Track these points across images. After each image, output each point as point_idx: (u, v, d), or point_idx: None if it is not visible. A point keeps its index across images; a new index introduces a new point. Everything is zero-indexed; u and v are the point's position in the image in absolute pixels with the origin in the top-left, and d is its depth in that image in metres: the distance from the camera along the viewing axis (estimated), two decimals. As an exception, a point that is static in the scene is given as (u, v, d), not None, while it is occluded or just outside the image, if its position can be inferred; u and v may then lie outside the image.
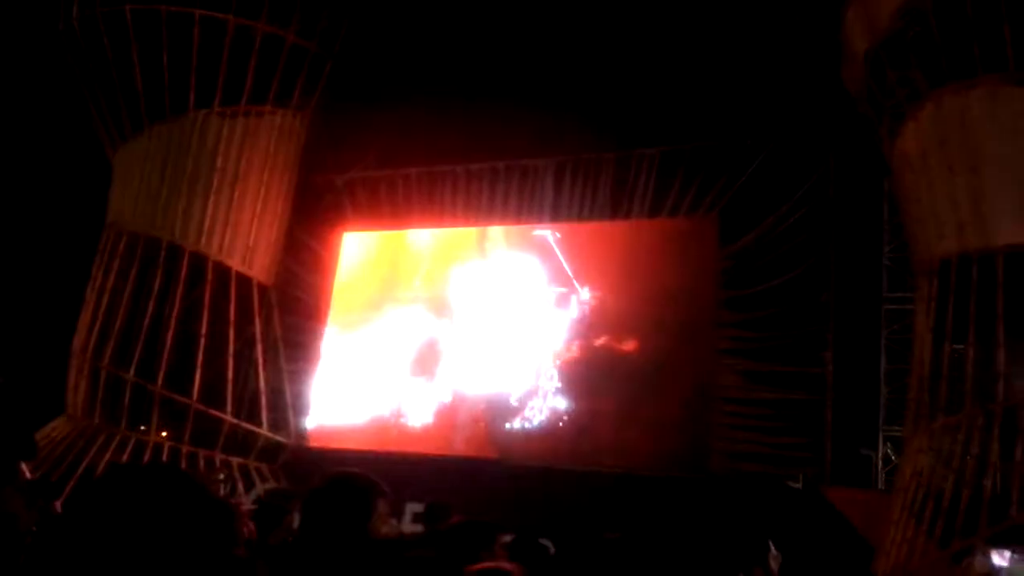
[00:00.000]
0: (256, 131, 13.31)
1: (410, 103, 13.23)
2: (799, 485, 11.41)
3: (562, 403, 12.75)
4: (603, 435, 12.32)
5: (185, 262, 12.85)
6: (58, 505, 5.49)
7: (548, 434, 12.73)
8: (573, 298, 13.03)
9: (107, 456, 12.07)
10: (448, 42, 13.37)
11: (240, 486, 12.29)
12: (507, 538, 4.35)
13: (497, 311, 13.70)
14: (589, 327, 12.88)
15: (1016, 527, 8.46)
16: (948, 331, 9.36)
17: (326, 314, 15.03)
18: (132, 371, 12.55)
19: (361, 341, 14.73)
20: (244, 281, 13.18)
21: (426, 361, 14.06)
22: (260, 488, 12.23)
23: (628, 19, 12.95)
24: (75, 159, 15.30)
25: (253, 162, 13.29)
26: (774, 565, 3.67)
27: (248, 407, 13.05)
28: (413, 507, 9.82)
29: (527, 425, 12.87)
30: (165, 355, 12.60)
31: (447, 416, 13.61)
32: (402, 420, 13.85)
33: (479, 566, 3.15)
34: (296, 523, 4.25)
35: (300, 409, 14.26)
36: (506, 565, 3.26)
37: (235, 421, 12.73)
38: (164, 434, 12.82)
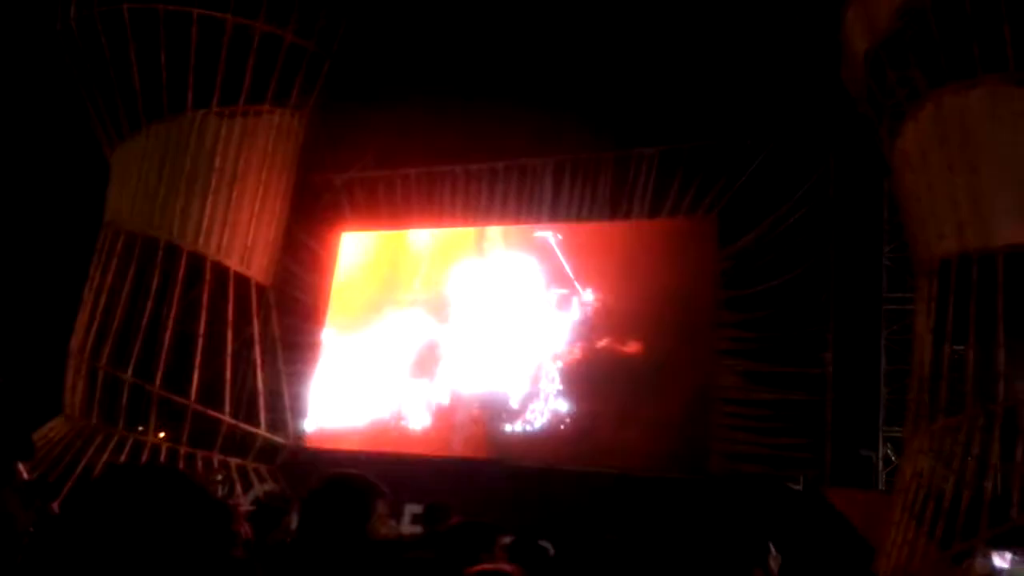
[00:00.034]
0: (254, 131, 13.30)
1: (409, 103, 13.22)
2: (799, 486, 11.39)
3: (561, 404, 12.74)
4: (603, 436, 12.31)
5: (183, 262, 12.82)
6: (55, 506, 5.47)
7: (547, 435, 12.72)
8: (573, 299, 13.02)
9: (105, 457, 12.05)
10: (447, 42, 13.36)
11: (238, 487, 12.27)
12: (506, 539, 4.34)
13: (496, 312, 13.69)
14: (588, 328, 12.87)
15: (1017, 528, 8.46)
16: (948, 331, 9.35)
17: (324, 315, 15.02)
18: (130, 371, 12.53)
19: (360, 342, 14.71)
20: (242, 281, 13.16)
21: (425, 362, 14.05)
22: (258, 489, 12.22)
23: (627, 19, 12.94)
24: (73, 158, 15.28)
25: (251, 162, 13.27)
26: (774, 566, 3.66)
27: (246, 408, 13.03)
28: (412, 508, 9.81)
29: (526, 426, 12.86)
30: (163, 355, 12.58)
31: (446, 417, 13.59)
32: (401, 421, 13.84)
33: (479, 568, 3.13)
34: (294, 524, 4.24)
35: (298, 410, 14.25)
36: (506, 567, 3.25)
37: (233, 422, 12.71)
38: (162, 435, 12.80)
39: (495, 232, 14.29)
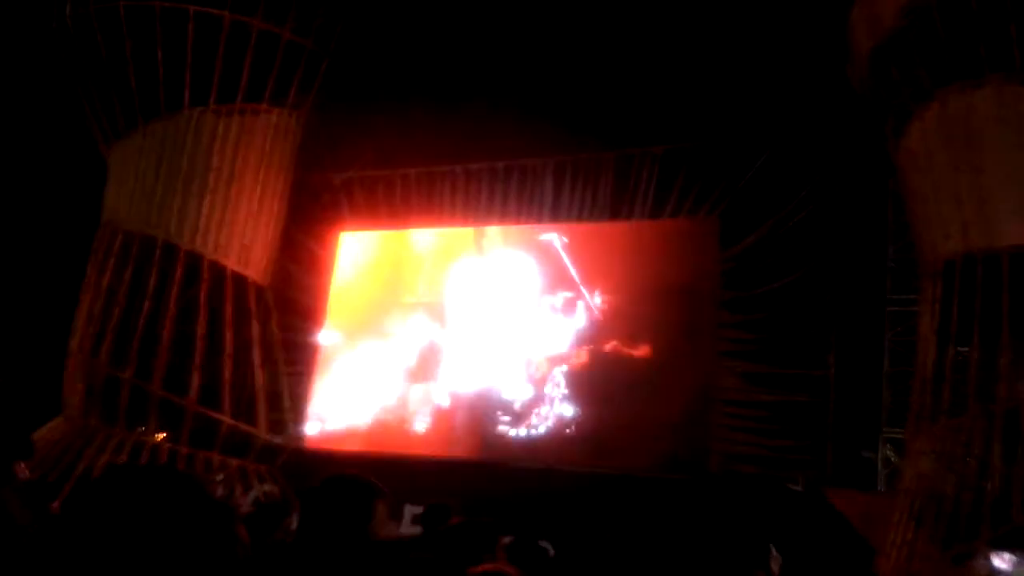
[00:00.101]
0: (252, 129, 13.27)
1: (408, 102, 13.24)
2: (800, 487, 11.40)
3: (562, 405, 12.74)
4: (603, 437, 12.33)
5: (180, 261, 12.80)
6: (55, 506, 5.44)
7: (547, 435, 12.74)
8: (577, 301, 13.02)
9: (105, 457, 12.03)
10: (446, 41, 13.36)
11: (238, 488, 12.25)
12: (506, 539, 4.33)
13: (497, 313, 13.70)
14: (590, 329, 12.88)
15: (1018, 530, 8.45)
16: (952, 333, 9.34)
17: (323, 315, 15.04)
18: (129, 371, 12.51)
19: (360, 342, 14.73)
20: (240, 281, 13.14)
21: (425, 363, 14.06)
22: (258, 490, 12.20)
23: (629, 19, 12.94)
24: (69, 157, 15.26)
25: (249, 160, 13.25)
26: (775, 567, 3.67)
27: (246, 408, 13.02)
28: (412, 508, 9.79)
29: (526, 426, 12.86)
30: (162, 355, 12.56)
31: (446, 418, 13.61)
32: (401, 421, 13.84)
33: (480, 568, 3.13)
34: (295, 525, 4.21)
35: (298, 410, 14.26)
36: (507, 567, 3.25)
37: (233, 422, 12.68)
38: (162, 435, 12.78)
39: (496, 233, 14.31)
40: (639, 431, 11.99)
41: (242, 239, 13.19)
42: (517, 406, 12.98)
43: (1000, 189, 9.07)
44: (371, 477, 2.88)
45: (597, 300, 12.84)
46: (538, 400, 12.89)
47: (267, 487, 12.31)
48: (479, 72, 13.15)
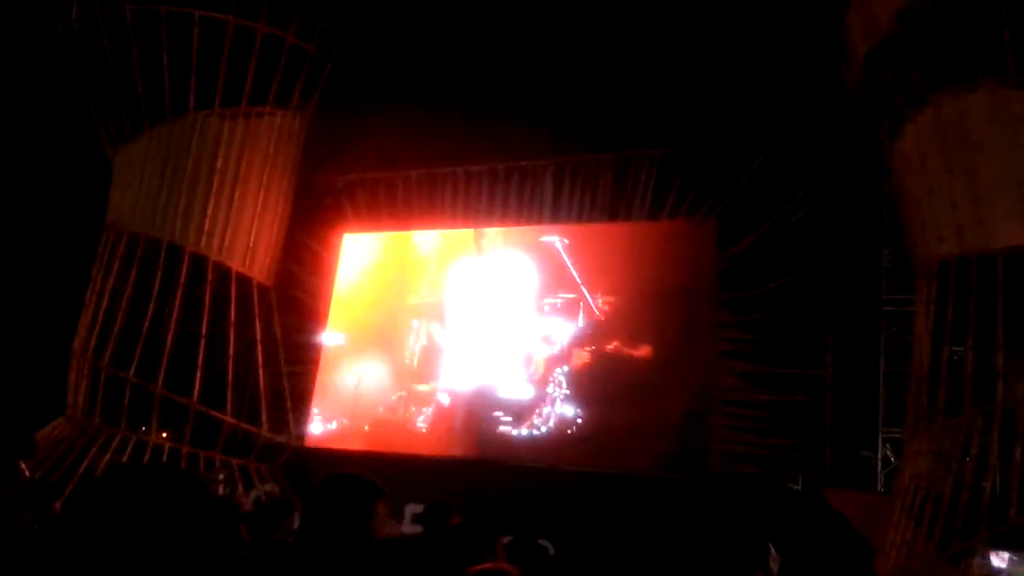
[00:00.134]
0: (256, 132, 13.31)
1: (410, 105, 13.24)
2: (798, 487, 11.41)
3: (562, 405, 12.75)
4: (603, 436, 12.32)
5: (185, 263, 12.84)
6: (58, 505, 5.49)
7: (547, 435, 12.73)
8: (575, 301, 13.03)
9: (107, 456, 12.07)
10: (447, 44, 13.38)
11: (240, 487, 12.29)
12: (506, 539, 4.35)
13: (496, 313, 13.71)
14: (589, 329, 12.89)
15: (1015, 529, 8.46)
16: (947, 333, 9.36)
17: (326, 315, 15.05)
18: (132, 372, 12.54)
19: (361, 342, 14.74)
20: (244, 282, 13.18)
21: (426, 363, 14.07)
22: (260, 489, 12.24)
23: (628, 21, 12.95)
24: (75, 160, 15.30)
25: (253, 163, 13.29)
26: (774, 567, 3.67)
27: (248, 408, 13.05)
28: (412, 508, 9.84)
29: (526, 426, 12.87)
30: (165, 356, 12.59)
31: (447, 417, 13.61)
32: (402, 421, 13.85)
33: (480, 567, 3.15)
34: (296, 524, 4.26)
35: (300, 410, 14.28)
36: (507, 566, 3.27)
37: (235, 422, 12.72)
38: (164, 435, 12.82)
39: (497, 234, 14.31)
40: (638, 431, 11.98)
41: (247, 240, 13.23)
42: (517, 406, 12.98)
43: (994, 191, 9.08)
44: (372, 477, 2.91)
45: (596, 301, 12.85)
46: (538, 400, 12.89)
47: (268, 486, 12.35)
48: (480, 75, 13.17)
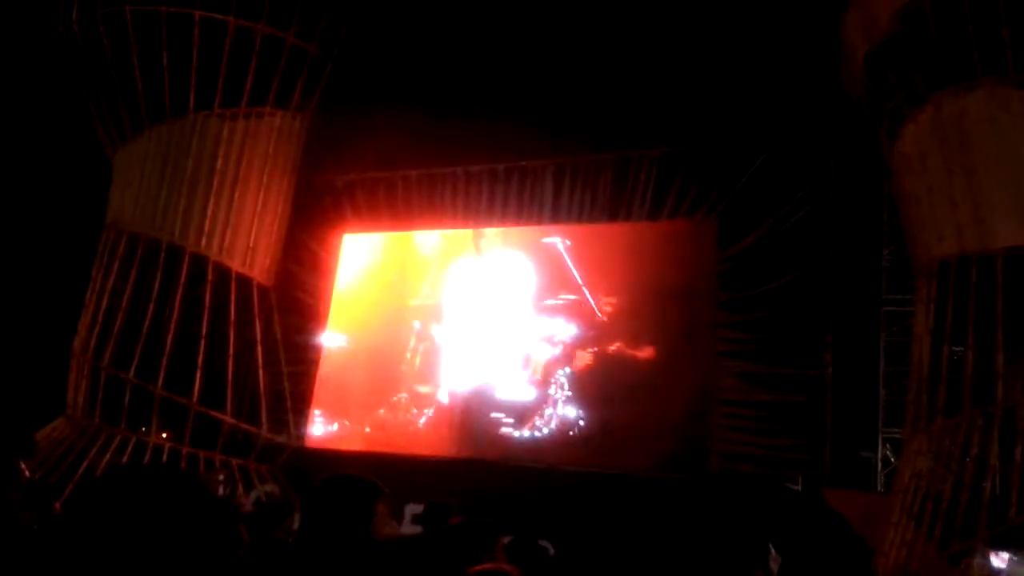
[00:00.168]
0: (256, 132, 13.31)
1: (409, 105, 13.25)
2: (798, 487, 11.41)
3: (562, 405, 12.75)
4: (603, 436, 12.33)
5: (185, 263, 12.84)
6: (58, 505, 5.50)
7: (547, 435, 12.74)
8: (575, 301, 13.03)
9: (107, 457, 12.07)
10: (447, 44, 13.38)
11: (240, 487, 12.29)
12: (506, 539, 4.35)
13: (496, 314, 13.71)
14: (588, 329, 12.89)
15: (1015, 529, 8.46)
16: (947, 333, 9.36)
17: (326, 316, 15.06)
18: (132, 372, 12.55)
19: (362, 343, 14.75)
20: (244, 282, 13.18)
21: (427, 364, 14.07)
22: (260, 489, 12.24)
23: (627, 21, 12.96)
24: (75, 160, 15.31)
25: (253, 163, 13.29)
26: (774, 567, 3.68)
27: (248, 408, 13.05)
28: (412, 508, 9.84)
29: (526, 427, 12.87)
30: (165, 356, 12.60)
31: (447, 418, 13.62)
32: (402, 422, 13.86)
33: (480, 567, 3.16)
34: (296, 524, 4.26)
35: (300, 410, 14.29)
36: (507, 567, 3.28)
37: (235, 422, 12.73)
38: (164, 435, 12.82)
39: (498, 235, 14.32)
40: (639, 431, 11.99)
41: (247, 241, 13.23)
42: (517, 407, 12.99)
43: (994, 191, 9.08)
44: (372, 477, 2.91)
45: (597, 301, 12.86)
46: (538, 400, 12.90)
47: (268, 487, 12.35)
48: (480, 75, 13.17)
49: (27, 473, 3.83)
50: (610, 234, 13.43)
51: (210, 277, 12.90)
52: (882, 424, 11.81)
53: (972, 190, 9.19)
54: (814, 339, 11.54)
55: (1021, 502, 8.41)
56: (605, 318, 12.79)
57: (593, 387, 12.65)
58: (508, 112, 12.60)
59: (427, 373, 13.98)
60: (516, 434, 12.90)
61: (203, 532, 1.28)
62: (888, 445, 11.86)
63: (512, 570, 3.22)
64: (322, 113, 14.09)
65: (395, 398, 13.99)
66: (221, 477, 12.04)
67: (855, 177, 12.02)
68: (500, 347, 13.47)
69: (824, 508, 10.51)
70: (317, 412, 14.48)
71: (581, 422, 12.58)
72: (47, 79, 14.80)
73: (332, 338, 14.92)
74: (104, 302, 13.06)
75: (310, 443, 14.14)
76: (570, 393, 12.74)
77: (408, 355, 14.19)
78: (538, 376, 13.02)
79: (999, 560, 8.75)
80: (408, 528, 9.52)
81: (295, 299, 14.96)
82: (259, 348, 13.18)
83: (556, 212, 13.79)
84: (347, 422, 14.28)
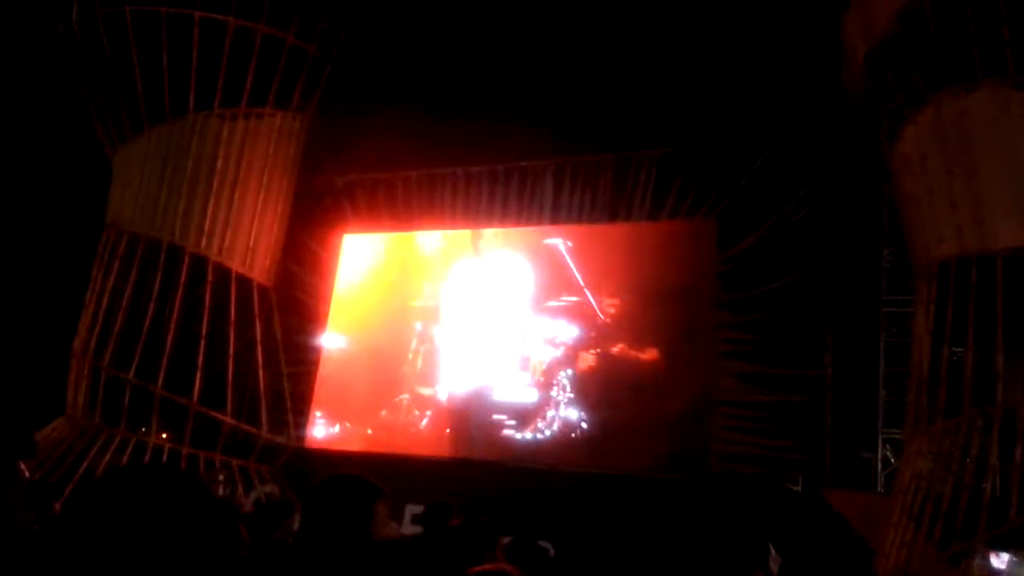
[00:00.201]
0: (256, 133, 13.31)
1: (409, 105, 13.25)
2: (798, 487, 11.41)
3: (563, 406, 12.75)
4: (603, 437, 12.34)
5: (185, 263, 12.84)
6: (58, 506, 5.49)
7: (548, 436, 12.74)
8: (575, 302, 13.03)
9: (107, 457, 12.07)
10: (447, 44, 13.38)
11: (240, 488, 12.30)
12: (506, 539, 4.35)
13: (496, 315, 13.71)
14: (589, 330, 12.89)
15: (1015, 529, 8.46)
16: (947, 334, 9.36)
17: (326, 316, 15.06)
18: (132, 372, 12.55)
19: (362, 343, 14.75)
20: (244, 282, 13.18)
21: (427, 364, 14.07)
22: (260, 490, 12.25)
23: (627, 21, 12.96)
24: (75, 160, 15.31)
25: (253, 164, 13.30)
26: (774, 567, 3.68)
27: (248, 409, 13.06)
28: (412, 508, 9.84)
29: (527, 428, 12.87)
30: (165, 356, 12.60)
31: (447, 418, 13.62)
32: (402, 422, 13.86)
33: (480, 568, 3.16)
34: (296, 525, 4.26)
35: (300, 411, 14.29)
36: (507, 567, 3.28)
37: (235, 423, 12.73)
38: (164, 435, 12.82)
39: (499, 237, 14.31)
40: (639, 431, 11.99)
41: (247, 241, 13.24)
42: (517, 408, 12.99)
43: (994, 192, 9.08)
44: (372, 477, 2.91)
45: (597, 302, 12.85)
46: (539, 401, 12.89)
47: (268, 487, 12.36)
48: (480, 76, 13.17)
49: (27, 474, 3.83)
50: (610, 235, 13.43)
51: (210, 277, 12.90)
52: (882, 425, 11.81)
53: (972, 191, 9.19)
54: (814, 340, 11.54)
55: (1021, 503, 8.41)
56: (605, 319, 12.78)
57: (593, 388, 12.65)
58: (508, 112, 12.59)
59: (429, 375, 13.97)
60: (517, 435, 12.89)
61: (203, 532, 1.28)
62: (888, 446, 11.85)
63: (512, 570, 3.22)
64: (322, 113, 14.10)
65: (397, 400, 13.98)
66: (221, 477, 12.04)
67: (855, 177, 12.02)
68: (502, 349, 13.46)
69: (824, 509, 10.51)
70: (319, 414, 14.47)
71: (582, 423, 12.57)
72: (47, 79, 14.80)
73: (333, 339, 14.92)
74: (104, 302, 13.06)
75: (310, 444, 14.14)
76: (571, 394, 12.74)
77: (410, 356, 14.19)
78: (539, 377, 13.02)
79: (999, 561, 8.75)
80: (408, 528, 9.52)
81: (295, 299, 14.96)
82: (259, 348, 13.18)
83: (556, 213, 13.80)
84: (348, 424, 14.27)
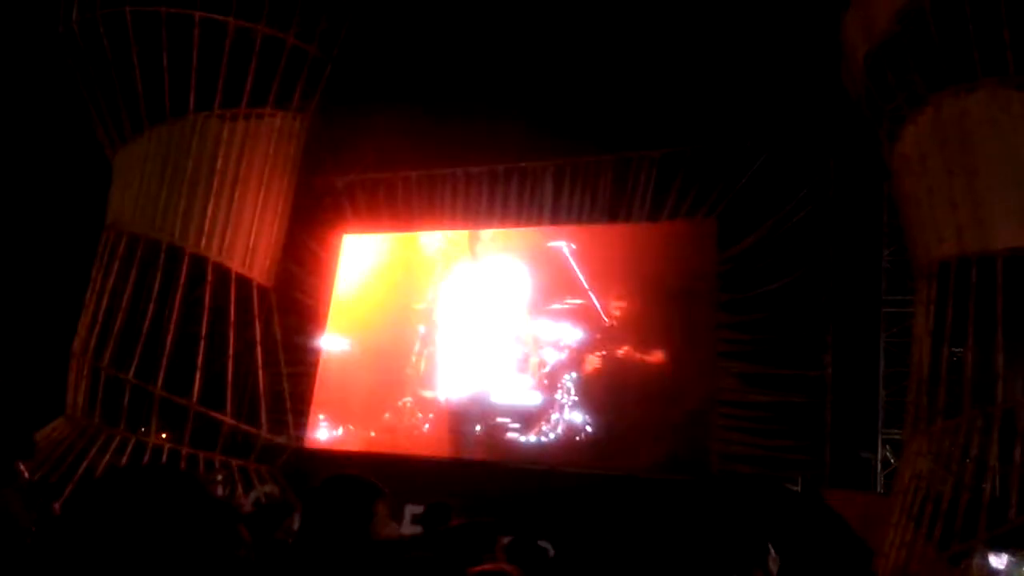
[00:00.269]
0: (256, 133, 13.32)
1: (409, 106, 13.25)
2: (798, 488, 11.41)
3: (562, 406, 12.75)
4: (603, 437, 12.34)
5: (185, 264, 12.85)
6: (57, 506, 5.49)
7: (548, 436, 12.74)
8: (576, 303, 13.02)
9: (107, 457, 12.07)
10: (447, 45, 13.39)
11: (239, 488, 12.30)
12: (506, 540, 4.35)
13: (498, 318, 13.70)
14: (589, 331, 12.88)
15: (1015, 530, 8.46)
16: (947, 334, 9.37)
17: (326, 316, 15.05)
18: (132, 372, 12.55)
19: (362, 343, 14.74)
20: (244, 283, 13.18)
21: (431, 368, 14.06)
22: (259, 490, 12.25)
23: (627, 22, 12.96)
24: (75, 160, 15.31)
25: (253, 164, 13.30)
26: (773, 567, 3.69)
27: (248, 409, 13.06)
28: (412, 508, 9.84)
29: (527, 428, 12.87)
30: (165, 356, 12.60)
31: (446, 418, 13.61)
32: (405, 425, 13.85)
33: (480, 568, 3.16)
34: (296, 525, 4.26)
35: (299, 411, 14.28)
36: (507, 567, 3.27)
37: (234, 423, 12.73)
38: (164, 435, 12.83)
39: (499, 239, 14.30)
40: (639, 432, 11.99)
41: (247, 241, 13.24)
42: (518, 410, 12.98)
43: (994, 192, 9.08)
44: (371, 477, 2.91)
45: (598, 303, 12.85)
46: (542, 404, 12.88)
47: (268, 487, 12.37)
48: (480, 76, 13.17)
49: (26, 474, 3.83)
50: (610, 235, 13.43)
51: (210, 278, 12.90)
52: (882, 425, 11.81)
53: (972, 191, 9.19)
54: (814, 340, 11.55)
55: (1021, 503, 8.41)
56: (605, 320, 12.78)
57: (593, 389, 12.64)
58: (508, 113, 12.59)
59: (432, 378, 13.96)
60: (517, 436, 12.88)
61: (203, 533, 1.28)
62: (888, 446, 11.85)
63: (512, 570, 3.22)
64: (322, 114, 14.10)
65: (400, 403, 13.96)
66: (220, 477, 12.04)
67: (855, 177, 12.02)
68: (502, 351, 13.45)
69: (824, 509, 10.51)
70: (321, 416, 14.46)
71: (581, 424, 12.57)
72: (47, 79, 14.80)
73: (334, 340, 14.91)
74: (104, 302, 13.07)
75: (310, 444, 14.14)
76: (573, 395, 12.73)
77: (413, 359, 14.17)
78: (539, 379, 13.00)
79: (999, 561, 8.76)
80: (408, 528, 9.52)
81: (295, 300, 14.96)
82: (259, 349, 13.19)
83: (556, 213, 13.79)
84: (352, 427, 14.26)
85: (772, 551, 3.71)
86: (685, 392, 12.01)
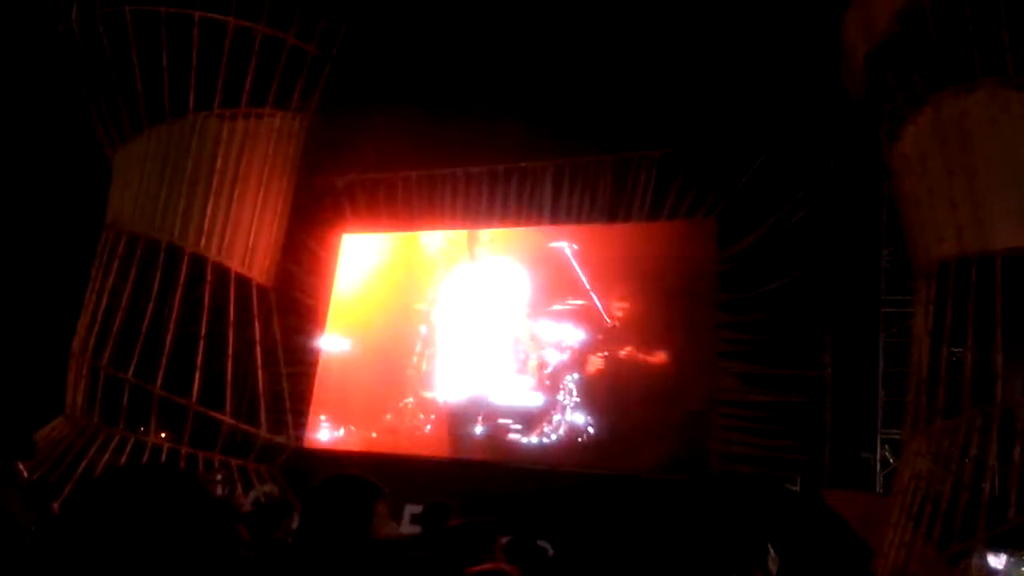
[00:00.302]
0: (256, 133, 13.32)
1: (409, 105, 13.25)
2: (797, 488, 11.42)
3: (562, 406, 12.75)
4: (603, 437, 12.33)
5: (185, 263, 12.84)
6: (56, 506, 5.49)
7: (548, 436, 12.73)
8: (576, 303, 13.01)
9: (106, 457, 12.08)
10: (447, 44, 13.39)
11: (239, 487, 12.30)
12: (505, 540, 4.35)
13: (498, 318, 13.69)
14: (589, 332, 12.88)
15: (1014, 529, 8.47)
16: (946, 334, 9.37)
17: (325, 316, 15.05)
18: (131, 372, 12.55)
19: (362, 343, 14.74)
20: (243, 282, 13.18)
21: (432, 369, 14.05)
22: (259, 489, 12.25)
23: (627, 22, 12.96)
24: (75, 160, 15.31)
25: (253, 164, 13.30)
26: (773, 567, 3.69)
27: (247, 408, 13.06)
28: (412, 508, 9.83)
29: (527, 428, 12.86)
30: (164, 356, 12.60)
31: (446, 418, 13.61)
32: (406, 426, 13.85)
33: (479, 568, 3.15)
34: (295, 525, 4.25)
35: (299, 411, 14.28)
36: (506, 567, 3.27)
37: (234, 422, 12.73)
38: (163, 435, 12.83)
39: (499, 239, 14.30)
40: (639, 432, 11.99)
41: (246, 241, 13.24)
42: (519, 411, 12.98)
43: (994, 192, 9.09)
44: (371, 477, 2.91)
45: (598, 303, 12.85)
46: (544, 405, 12.88)
47: (267, 487, 12.37)
48: (479, 76, 13.17)
49: (26, 474, 3.83)
50: (610, 235, 13.43)
51: (209, 277, 12.90)
52: (881, 425, 11.81)
53: (972, 191, 9.20)
54: (813, 340, 11.55)
55: (1020, 503, 8.42)
56: (606, 320, 12.77)
57: (594, 390, 12.64)
58: (508, 113, 12.60)
59: (433, 379, 13.95)
60: (518, 436, 12.88)
61: (202, 532, 1.27)
62: (887, 446, 11.86)
63: (511, 570, 3.21)
64: (322, 113, 14.10)
65: (401, 403, 13.96)
66: (219, 477, 12.05)
67: (855, 177, 12.02)
68: (503, 352, 13.45)
69: (823, 509, 10.52)
70: (321, 417, 14.45)
71: (585, 425, 12.56)
72: (47, 79, 14.80)
73: (334, 340, 14.91)
74: (103, 302, 13.07)
75: (309, 444, 14.14)
76: (573, 396, 12.72)
77: (414, 360, 14.16)
78: (541, 379, 13.00)
79: (998, 561, 8.76)
80: (408, 528, 9.52)
81: (294, 300, 14.96)
82: (258, 348, 13.19)
83: (556, 213, 13.80)
84: (351, 427, 14.25)
85: (772, 551, 3.71)
86: (685, 392, 12.01)
